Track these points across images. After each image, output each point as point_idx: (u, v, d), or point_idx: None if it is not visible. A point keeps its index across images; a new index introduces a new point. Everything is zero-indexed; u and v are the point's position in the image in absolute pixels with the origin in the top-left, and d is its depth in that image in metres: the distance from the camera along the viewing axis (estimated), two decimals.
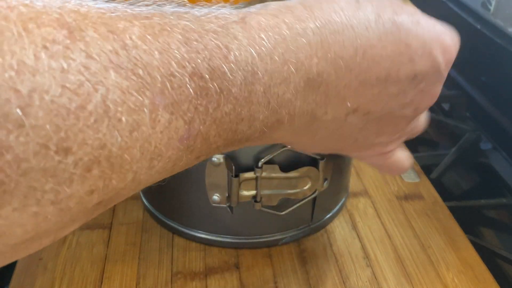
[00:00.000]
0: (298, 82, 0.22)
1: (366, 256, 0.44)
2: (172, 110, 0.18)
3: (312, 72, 0.22)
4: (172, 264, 0.42)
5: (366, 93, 0.24)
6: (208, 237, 0.44)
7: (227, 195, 0.39)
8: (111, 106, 0.16)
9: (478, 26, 0.71)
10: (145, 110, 0.17)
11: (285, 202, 0.41)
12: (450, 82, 0.79)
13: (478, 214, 0.57)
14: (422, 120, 0.34)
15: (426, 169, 0.57)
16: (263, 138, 0.23)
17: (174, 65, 0.18)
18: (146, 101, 0.17)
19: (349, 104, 0.24)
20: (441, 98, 0.80)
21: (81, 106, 0.16)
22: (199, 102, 0.19)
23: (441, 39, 0.27)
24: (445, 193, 0.53)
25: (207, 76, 0.19)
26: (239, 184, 0.39)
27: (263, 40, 0.21)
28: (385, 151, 0.31)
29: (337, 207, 0.48)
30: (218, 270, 0.42)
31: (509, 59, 0.65)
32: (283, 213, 0.41)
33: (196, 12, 0.21)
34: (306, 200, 0.42)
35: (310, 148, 0.30)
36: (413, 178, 0.54)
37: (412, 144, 0.64)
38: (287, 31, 0.22)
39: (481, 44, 0.72)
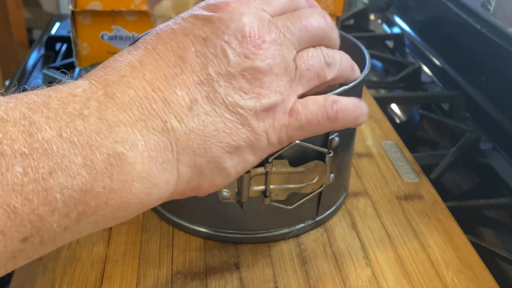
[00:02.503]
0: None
1: (366, 256, 0.44)
2: None
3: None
4: (172, 264, 0.42)
5: None
6: (211, 232, 0.44)
7: (236, 190, 0.40)
8: None
9: (478, 26, 0.71)
10: None
11: (292, 197, 0.42)
12: (450, 82, 0.79)
13: (478, 214, 0.57)
14: (335, 59, 0.33)
15: (426, 169, 0.57)
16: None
17: None
18: None
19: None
20: (441, 98, 0.80)
21: None
22: None
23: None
24: (445, 193, 0.53)
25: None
26: (250, 179, 0.39)
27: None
28: (286, 106, 0.30)
29: (338, 202, 0.48)
30: (218, 270, 0.42)
31: (509, 59, 0.65)
32: (291, 207, 0.42)
33: None
34: (313, 194, 0.42)
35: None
36: (413, 178, 0.54)
37: (412, 144, 0.65)
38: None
39: (481, 44, 0.72)
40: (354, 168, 0.55)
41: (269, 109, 0.29)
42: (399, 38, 0.94)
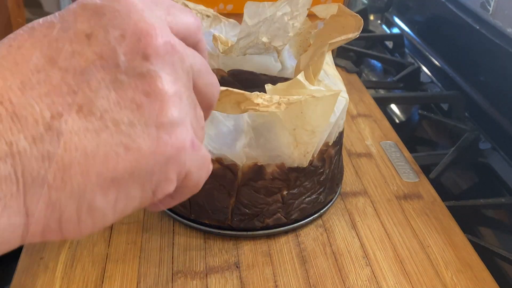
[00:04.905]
0: None
1: (366, 255, 0.44)
2: None
3: None
4: (172, 263, 0.42)
5: None
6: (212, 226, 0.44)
7: None
8: None
9: (477, 27, 0.71)
10: None
11: None
12: (449, 82, 0.79)
13: (477, 213, 0.57)
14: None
15: (425, 169, 0.57)
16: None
17: None
18: None
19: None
20: (440, 98, 0.80)
21: None
22: None
23: None
24: (444, 193, 0.54)
25: None
26: None
27: None
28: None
29: (337, 193, 0.49)
30: (218, 269, 0.42)
31: (508, 59, 0.65)
32: None
33: None
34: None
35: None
36: (412, 178, 0.54)
37: (411, 144, 0.65)
38: None
39: (480, 44, 0.72)
40: (354, 168, 0.55)
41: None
42: (398, 39, 0.94)
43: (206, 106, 0.27)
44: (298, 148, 0.41)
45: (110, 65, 0.21)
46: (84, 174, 0.20)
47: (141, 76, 0.22)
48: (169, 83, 0.22)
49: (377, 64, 0.92)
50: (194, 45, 0.26)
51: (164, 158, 0.22)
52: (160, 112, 0.22)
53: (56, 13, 0.23)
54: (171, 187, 0.23)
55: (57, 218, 0.21)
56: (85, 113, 0.21)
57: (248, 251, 0.44)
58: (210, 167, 0.26)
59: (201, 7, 0.55)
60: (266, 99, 0.37)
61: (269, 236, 0.45)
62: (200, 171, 0.25)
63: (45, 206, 0.21)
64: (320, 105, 0.39)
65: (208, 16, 0.55)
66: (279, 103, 0.37)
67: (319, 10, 0.46)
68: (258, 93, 0.37)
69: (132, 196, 0.22)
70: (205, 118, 0.27)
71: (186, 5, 0.55)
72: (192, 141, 0.23)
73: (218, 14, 0.55)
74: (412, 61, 0.88)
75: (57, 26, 0.22)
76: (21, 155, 0.20)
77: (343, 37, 0.43)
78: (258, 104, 0.37)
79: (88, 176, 0.21)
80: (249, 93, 0.37)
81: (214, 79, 0.27)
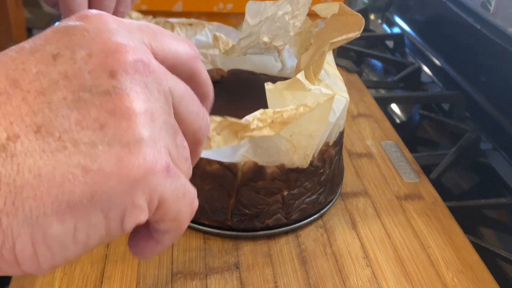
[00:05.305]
0: None
1: (366, 256, 0.44)
2: None
3: None
4: (172, 264, 0.42)
5: None
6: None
7: None
8: None
9: (478, 26, 0.71)
10: None
11: None
12: (449, 82, 0.79)
13: (478, 214, 0.57)
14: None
15: (426, 169, 0.57)
16: None
17: None
18: None
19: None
20: (441, 98, 0.80)
21: None
22: None
23: None
24: (444, 193, 0.53)
25: None
26: None
27: None
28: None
29: (337, 194, 0.49)
30: (218, 270, 0.42)
31: (509, 59, 0.65)
32: None
33: None
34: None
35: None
36: (412, 178, 0.54)
37: (412, 144, 0.65)
38: None
39: (481, 44, 0.72)
40: (354, 168, 0.55)
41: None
42: (399, 38, 0.94)
43: (193, 140, 0.25)
44: (297, 153, 0.41)
45: (74, 84, 0.20)
46: (38, 198, 0.19)
47: (107, 94, 0.20)
48: (138, 101, 0.21)
49: (377, 63, 0.92)
50: (188, 75, 0.25)
51: (129, 180, 0.20)
52: (126, 130, 0.20)
53: (30, 38, 0.22)
54: (141, 216, 0.21)
55: (10, 248, 0.19)
56: (43, 134, 0.20)
57: (248, 251, 0.44)
58: (194, 202, 0.24)
59: (183, 19, 0.55)
60: (261, 119, 0.37)
61: (269, 237, 0.45)
62: (179, 201, 0.23)
63: None
64: (316, 112, 0.39)
65: (190, 24, 0.55)
66: (273, 122, 0.38)
67: (320, 9, 0.46)
68: (252, 115, 0.37)
69: (93, 224, 0.20)
70: (195, 156, 0.26)
71: (168, 21, 0.55)
72: (167, 165, 0.21)
73: (200, 20, 0.56)
74: (413, 60, 0.88)
75: (27, 49, 0.21)
76: None
77: (344, 37, 0.42)
78: (253, 130, 0.37)
79: (42, 200, 0.19)
80: (245, 120, 0.37)
81: (202, 112, 0.25)
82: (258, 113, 0.38)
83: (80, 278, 0.40)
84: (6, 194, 0.19)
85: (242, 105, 0.50)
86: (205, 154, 0.41)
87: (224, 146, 0.37)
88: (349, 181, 0.53)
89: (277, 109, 0.38)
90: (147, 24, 0.24)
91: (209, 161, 0.41)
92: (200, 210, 0.44)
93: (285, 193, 0.44)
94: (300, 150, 0.41)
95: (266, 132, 0.37)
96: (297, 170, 0.43)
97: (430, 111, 0.76)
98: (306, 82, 0.40)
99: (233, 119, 0.37)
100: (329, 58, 0.50)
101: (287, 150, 0.41)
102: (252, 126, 0.37)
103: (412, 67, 0.83)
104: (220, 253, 0.43)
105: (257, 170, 0.42)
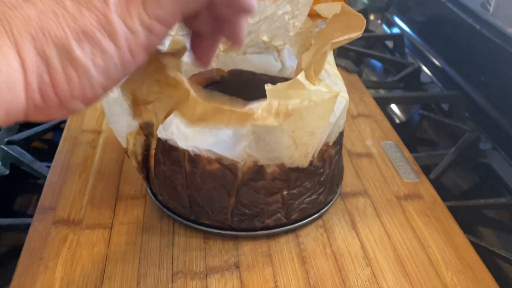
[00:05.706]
0: None
1: (366, 256, 0.44)
2: None
3: None
4: (172, 263, 0.42)
5: None
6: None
7: None
8: None
9: (478, 27, 0.71)
10: None
11: None
12: (449, 82, 0.79)
13: (478, 214, 0.57)
14: None
15: (426, 169, 0.57)
16: None
17: None
18: None
19: None
20: (441, 98, 0.80)
21: None
22: None
23: None
24: (444, 193, 0.53)
25: None
26: None
27: None
28: None
29: (337, 194, 0.49)
30: (218, 269, 0.42)
31: (508, 60, 0.65)
32: None
33: None
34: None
35: None
36: (412, 178, 0.54)
37: (412, 144, 0.65)
38: None
39: (480, 44, 0.72)
40: (354, 168, 0.55)
41: None
42: (398, 38, 0.94)
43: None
44: (298, 150, 0.41)
45: None
46: (59, 26, 0.24)
47: None
48: None
49: (377, 64, 0.92)
50: None
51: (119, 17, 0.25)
52: None
53: None
54: (144, 40, 0.26)
55: (46, 69, 0.24)
56: None
57: (248, 251, 0.44)
58: None
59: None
60: (265, 109, 0.37)
61: (269, 237, 0.45)
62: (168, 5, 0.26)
63: (34, 55, 0.24)
64: (320, 107, 0.39)
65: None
66: (277, 113, 0.38)
67: (321, 8, 0.46)
68: (257, 104, 0.37)
69: (106, 50, 0.25)
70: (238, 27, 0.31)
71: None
72: None
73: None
74: (413, 61, 0.88)
75: None
76: (6, 15, 0.24)
77: (345, 37, 0.42)
78: (257, 119, 0.37)
79: (62, 27, 0.24)
80: (249, 109, 0.37)
81: None
82: (262, 104, 0.38)
83: (81, 277, 0.41)
84: (36, 24, 0.24)
85: None
86: (206, 146, 0.41)
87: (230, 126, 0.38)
88: (349, 181, 0.53)
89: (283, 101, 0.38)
90: None
91: (209, 161, 0.41)
92: (200, 209, 0.44)
93: (285, 193, 0.44)
94: (301, 147, 0.41)
95: (270, 122, 0.37)
96: (297, 170, 0.43)
97: (429, 111, 0.76)
98: (306, 83, 0.40)
99: (237, 109, 0.37)
100: (330, 58, 0.50)
101: (288, 146, 0.41)
102: (256, 116, 0.37)
103: (412, 67, 0.83)
104: (220, 253, 0.43)
105: (257, 170, 0.42)
